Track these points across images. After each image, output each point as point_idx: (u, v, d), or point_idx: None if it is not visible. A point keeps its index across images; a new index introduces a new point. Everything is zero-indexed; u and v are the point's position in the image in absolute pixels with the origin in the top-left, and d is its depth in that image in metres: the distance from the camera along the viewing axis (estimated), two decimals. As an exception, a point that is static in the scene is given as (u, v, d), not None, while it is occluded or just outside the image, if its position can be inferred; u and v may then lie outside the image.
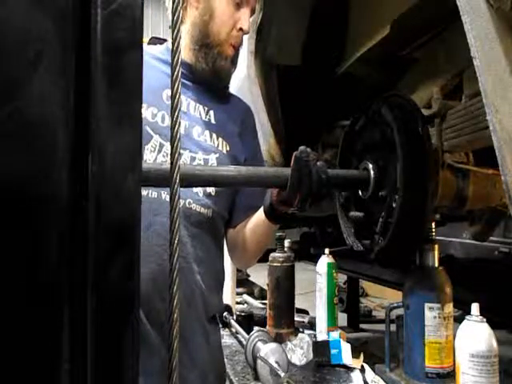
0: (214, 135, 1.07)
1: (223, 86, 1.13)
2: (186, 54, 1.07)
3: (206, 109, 1.08)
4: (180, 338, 0.98)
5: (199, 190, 1.02)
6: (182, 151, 1.00)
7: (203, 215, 1.02)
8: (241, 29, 1.04)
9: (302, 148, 0.90)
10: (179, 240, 0.45)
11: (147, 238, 0.94)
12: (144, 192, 0.95)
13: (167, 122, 1.02)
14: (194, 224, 1.00)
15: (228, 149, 1.08)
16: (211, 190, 1.03)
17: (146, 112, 1.01)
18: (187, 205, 0.99)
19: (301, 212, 0.95)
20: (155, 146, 1.00)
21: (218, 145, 1.07)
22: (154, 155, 0.99)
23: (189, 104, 1.07)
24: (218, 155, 1.05)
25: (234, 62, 1.08)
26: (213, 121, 1.08)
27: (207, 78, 1.07)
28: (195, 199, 1.00)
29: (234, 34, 1.05)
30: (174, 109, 0.45)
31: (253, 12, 1.09)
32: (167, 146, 0.99)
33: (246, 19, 1.04)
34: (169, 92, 1.03)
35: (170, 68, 1.08)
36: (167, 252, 0.96)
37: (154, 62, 1.07)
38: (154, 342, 0.95)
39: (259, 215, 1.04)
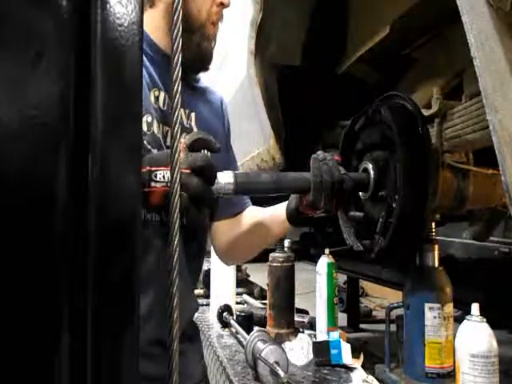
0: None
1: (205, 69, 1.03)
2: (161, 40, 0.97)
3: (187, 111, 1.00)
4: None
5: None
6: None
7: None
8: (221, 3, 0.96)
9: (318, 152, 0.90)
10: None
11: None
12: None
13: (161, 130, 0.94)
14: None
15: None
16: None
17: (145, 125, 0.90)
18: None
19: (328, 213, 0.94)
20: None
21: None
22: None
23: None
24: None
25: (215, 39, 1.00)
26: (194, 127, 1.01)
27: (190, 65, 0.97)
28: None
29: (215, 10, 0.96)
30: (174, 110, 0.45)
31: None
32: None
33: None
34: (156, 92, 0.95)
35: (147, 57, 0.96)
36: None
37: None
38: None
39: (275, 215, 1.01)
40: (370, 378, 1.30)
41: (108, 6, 0.37)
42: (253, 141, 1.81)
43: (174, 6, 0.44)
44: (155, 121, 0.92)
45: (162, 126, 0.93)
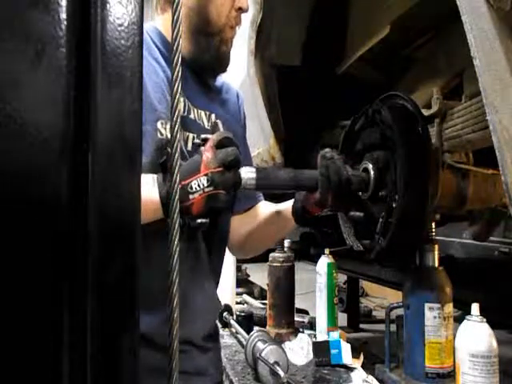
0: None
1: (223, 71, 1.05)
2: (183, 44, 0.98)
3: (208, 113, 1.02)
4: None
5: None
6: None
7: None
8: (240, 8, 0.96)
9: (326, 149, 0.90)
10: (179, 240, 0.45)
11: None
12: None
13: (189, 141, 0.94)
14: None
15: None
16: None
17: (165, 129, 0.90)
18: None
19: (334, 212, 0.95)
20: None
21: None
22: None
23: (195, 111, 0.99)
24: None
25: (232, 42, 1.01)
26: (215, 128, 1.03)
27: (209, 68, 1.00)
28: None
29: (233, 14, 0.96)
30: (173, 109, 0.45)
31: None
32: None
33: None
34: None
35: (167, 61, 0.97)
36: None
37: (153, 52, 0.95)
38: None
39: (287, 210, 1.02)
40: (370, 377, 1.30)
41: (108, 5, 0.37)
42: (253, 141, 1.80)
43: (174, 6, 0.44)
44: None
45: (183, 132, 0.95)
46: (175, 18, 0.44)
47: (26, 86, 0.33)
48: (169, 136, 0.89)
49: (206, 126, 1.00)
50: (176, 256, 0.45)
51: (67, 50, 0.35)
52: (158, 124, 0.89)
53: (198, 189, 0.76)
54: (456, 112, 1.12)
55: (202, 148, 0.80)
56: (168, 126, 0.90)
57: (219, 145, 0.79)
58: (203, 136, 0.85)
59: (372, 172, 1.02)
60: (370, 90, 1.50)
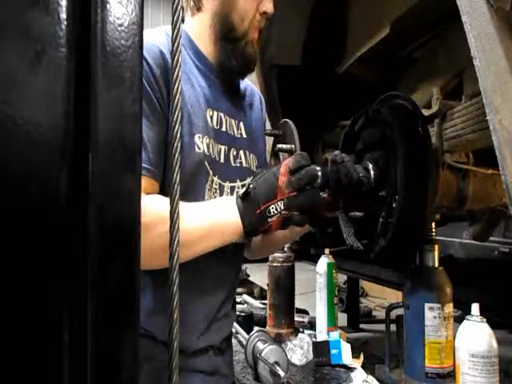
0: (247, 152, 1.04)
1: (250, 72, 1.05)
2: (207, 49, 0.99)
3: (237, 121, 1.04)
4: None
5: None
6: (222, 183, 0.97)
7: None
8: (264, 12, 0.97)
9: (336, 152, 0.92)
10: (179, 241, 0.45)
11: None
12: None
13: (222, 154, 0.97)
14: None
15: (256, 163, 1.07)
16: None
17: (202, 143, 0.92)
18: None
19: (346, 213, 0.97)
20: (211, 186, 0.95)
21: (250, 164, 1.05)
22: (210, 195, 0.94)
23: (226, 121, 1.01)
24: (251, 177, 1.00)
25: (258, 42, 1.01)
26: (244, 135, 1.04)
27: (237, 72, 1.02)
28: None
29: (258, 18, 0.97)
30: (174, 109, 0.45)
31: None
32: (227, 186, 0.97)
33: (269, 0, 0.97)
34: (210, 112, 0.97)
35: (201, 72, 1.00)
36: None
37: (187, 62, 0.96)
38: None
39: None
40: (370, 377, 1.30)
41: (108, 5, 0.37)
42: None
43: (174, 6, 0.44)
44: (211, 141, 0.95)
45: (216, 145, 0.97)
46: (175, 18, 0.44)
47: (26, 86, 0.33)
48: (205, 150, 0.93)
49: (237, 134, 1.03)
50: (176, 256, 0.45)
51: (67, 50, 0.35)
52: (196, 138, 0.92)
53: (275, 212, 0.83)
54: (456, 112, 1.12)
55: (276, 170, 0.85)
56: (205, 139, 0.93)
57: (295, 171, 0.83)
58: (279, 146, 0.88)
59: (372, 172, 1.02)
60: (370, 89, 1.50)
